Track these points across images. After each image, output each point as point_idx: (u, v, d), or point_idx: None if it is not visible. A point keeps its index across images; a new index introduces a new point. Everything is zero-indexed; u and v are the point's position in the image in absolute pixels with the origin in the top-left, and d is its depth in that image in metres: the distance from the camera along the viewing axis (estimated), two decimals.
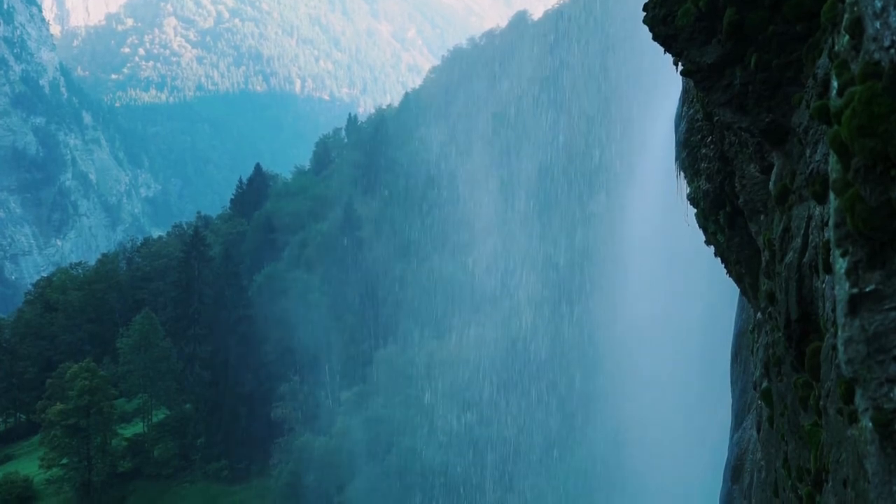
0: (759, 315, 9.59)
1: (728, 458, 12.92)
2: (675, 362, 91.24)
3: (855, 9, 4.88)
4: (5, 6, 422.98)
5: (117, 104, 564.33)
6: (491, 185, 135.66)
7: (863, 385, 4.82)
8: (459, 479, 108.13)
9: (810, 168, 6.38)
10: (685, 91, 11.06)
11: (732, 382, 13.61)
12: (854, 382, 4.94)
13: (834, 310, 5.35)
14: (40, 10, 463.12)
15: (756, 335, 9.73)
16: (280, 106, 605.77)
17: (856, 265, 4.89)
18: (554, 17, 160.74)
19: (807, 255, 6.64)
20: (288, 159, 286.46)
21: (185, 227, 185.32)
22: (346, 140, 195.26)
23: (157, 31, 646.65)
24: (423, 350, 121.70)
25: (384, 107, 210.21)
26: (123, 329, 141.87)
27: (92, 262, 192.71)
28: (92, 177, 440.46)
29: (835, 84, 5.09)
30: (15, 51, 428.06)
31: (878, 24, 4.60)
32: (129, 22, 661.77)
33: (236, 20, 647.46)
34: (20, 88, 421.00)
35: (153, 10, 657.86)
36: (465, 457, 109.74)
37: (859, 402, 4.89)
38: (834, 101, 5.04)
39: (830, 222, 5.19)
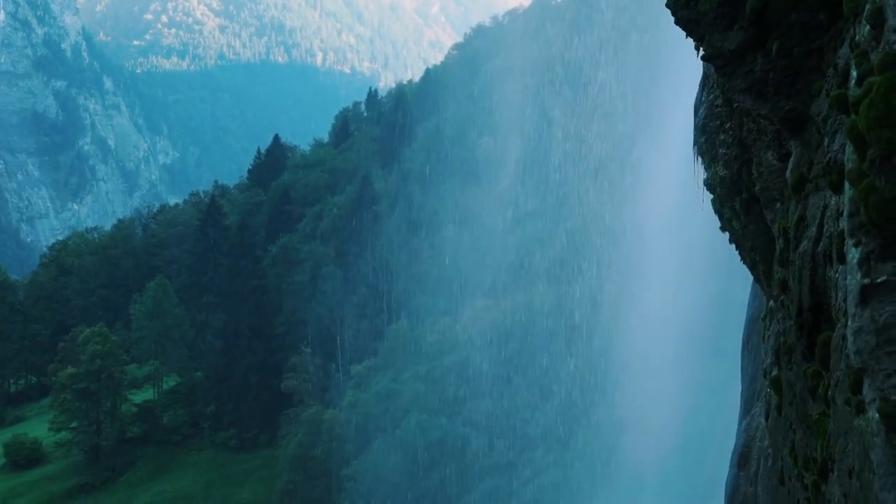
0: (771, 303, 9.58)
1: (735, 445, 12.91)
2: (684, 348, 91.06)
3: None
4: None
5: (138, 70, 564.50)
6: (509, 163, 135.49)
7: (871, 376, 4.83)
8: (467, 455, 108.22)
9: (828, 157, 6.36)
10: (705, 76, 11.02)
11: (743, 369, 13.59)
12: (862, 373, 4.95)
13: (846, 300, 5.35)
14: None
15: (768, 323, 9.73)
16: (301, 78, 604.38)
17: (868, 256, 4.89)
18: None
19: (821, 244, 6.63)
20: (307, 131, 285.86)
21: (201, 195, 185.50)
22: (365, 114, 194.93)
23: None
24: (434, 325, 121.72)
25: (405, 82, 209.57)
26: (137, 295, 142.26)
27: (108, 227, 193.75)
28: (111, 142, 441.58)
29: (854, 74, 5.08)
30: (38, 13, 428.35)
31: None
32: None
33: None
34: (42, 51, 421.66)
35: None
36: (473, 433, 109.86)
37: (867, 392, 4.91)
38: (853, 90, 5.03)
39: (845, 212, 5.19)
